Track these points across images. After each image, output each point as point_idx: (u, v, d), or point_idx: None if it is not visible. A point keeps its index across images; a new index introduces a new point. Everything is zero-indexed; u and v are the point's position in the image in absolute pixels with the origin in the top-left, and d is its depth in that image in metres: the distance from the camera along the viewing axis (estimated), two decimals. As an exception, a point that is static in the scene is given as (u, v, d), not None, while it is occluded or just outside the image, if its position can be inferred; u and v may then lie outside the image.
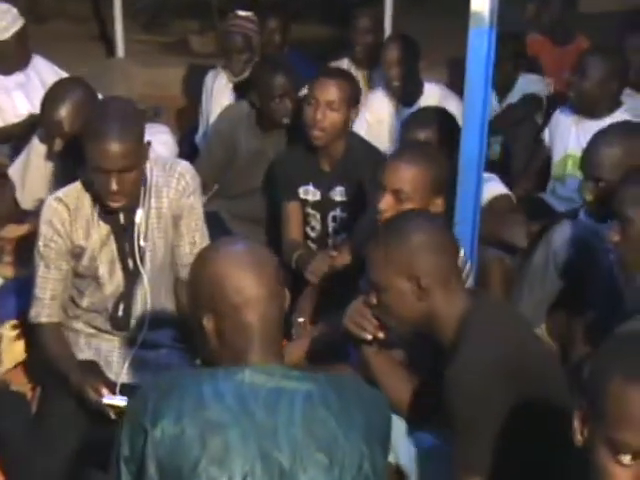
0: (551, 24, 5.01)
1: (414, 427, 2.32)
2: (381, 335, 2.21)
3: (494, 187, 3.53)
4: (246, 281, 1.60)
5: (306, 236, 3.47)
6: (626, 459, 1.25)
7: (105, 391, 2.47)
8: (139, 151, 2.54)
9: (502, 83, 4.35)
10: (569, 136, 3.71)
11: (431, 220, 2.20)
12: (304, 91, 4.62)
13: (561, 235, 3.10)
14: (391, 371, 2.29)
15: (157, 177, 2.65)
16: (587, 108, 3.66)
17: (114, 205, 2.54)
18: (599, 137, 2.84)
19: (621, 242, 2.36)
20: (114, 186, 2.48)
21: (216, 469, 1.45)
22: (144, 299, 2.67)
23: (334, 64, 4.50)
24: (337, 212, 3.39)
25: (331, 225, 3.41)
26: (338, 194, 3.36)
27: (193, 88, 4.60)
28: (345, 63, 4.53)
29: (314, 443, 1.48)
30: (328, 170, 3.36)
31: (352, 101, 3.31)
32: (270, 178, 3.61)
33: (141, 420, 1.48)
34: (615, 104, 3.66)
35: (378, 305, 2.15)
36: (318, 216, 3.42)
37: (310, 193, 3.40)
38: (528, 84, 4.48)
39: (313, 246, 3.45)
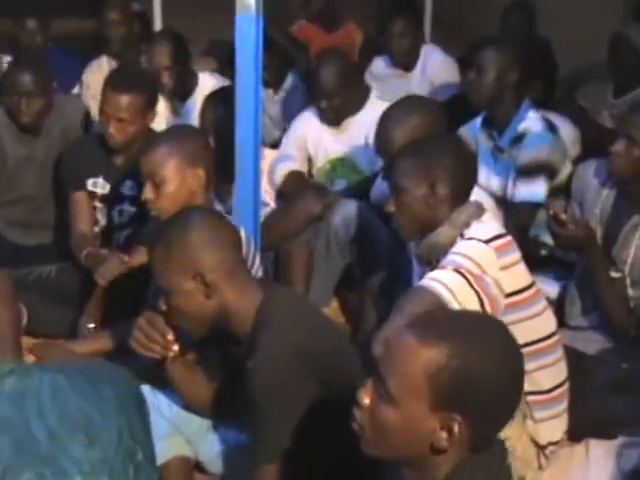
0: (319, 10, 5.12)
1: (219, 424, 2.30)
2: (171, 353, 2.13)
3: (285, 165, 3.58)
4: None
5: None
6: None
7: None
8: None
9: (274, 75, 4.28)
10: (327, 142, 3.64)
11: (209, 215, 2.15)
12: (76, 89, 4.49)
13: (339, 215, 3.17)
14: (188, 377, 2.22)
15: None
16: (340, 119, 3.60)
17: None
18: (386, 118, 2.85)
19: (397, 212, 2.42)
20: None
21: None
22: None
23: (94, 63, 4.35)
24: (124, 206, 3.32)
25: (117, 219, 3.34)
26: (128, 188, 3.30)
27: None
28: (104, 60, 4.35)
29: (70, 426, 1.52)
30: (120, 164, 3.29)
31: (146, 107, 3.23)
32: (59, 171, 3.48)
33: None
34: (364, 93, 3.61)
35: (169, 311, 2.06)
36: (105, 210, 3.34)
37: (99, 186, 3.32)
38: None
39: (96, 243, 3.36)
